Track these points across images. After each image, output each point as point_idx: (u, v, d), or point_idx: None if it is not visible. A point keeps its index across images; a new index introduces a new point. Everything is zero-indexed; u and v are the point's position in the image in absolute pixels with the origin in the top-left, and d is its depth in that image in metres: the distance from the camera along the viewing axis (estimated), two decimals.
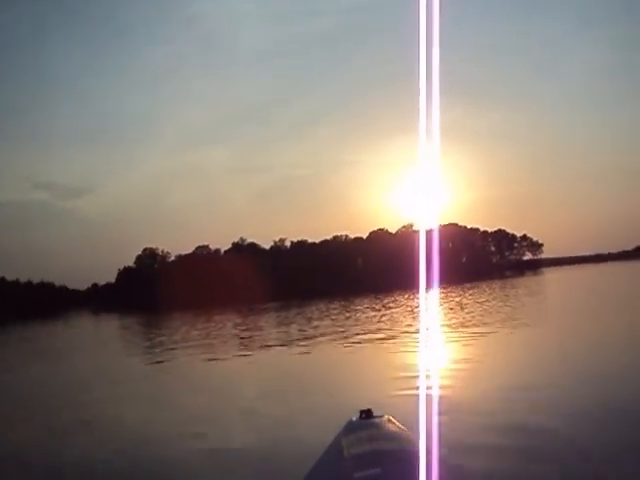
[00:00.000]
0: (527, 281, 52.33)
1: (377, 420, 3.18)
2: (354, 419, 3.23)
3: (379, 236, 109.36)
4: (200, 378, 12.00)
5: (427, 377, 8.98)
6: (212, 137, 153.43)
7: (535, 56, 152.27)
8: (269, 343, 16.87)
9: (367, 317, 23.41)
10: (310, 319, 25.21)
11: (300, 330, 20.20)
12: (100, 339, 28.59)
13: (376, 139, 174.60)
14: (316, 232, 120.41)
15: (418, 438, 2.80)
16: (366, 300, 37.98)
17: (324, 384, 10.04)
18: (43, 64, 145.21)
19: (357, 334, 16.98)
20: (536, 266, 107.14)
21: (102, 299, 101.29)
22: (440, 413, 6.20)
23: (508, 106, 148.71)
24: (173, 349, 17.77)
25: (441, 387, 7.95)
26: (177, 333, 25.85)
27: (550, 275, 65.97)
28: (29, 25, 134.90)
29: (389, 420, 3.15)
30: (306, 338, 17.06)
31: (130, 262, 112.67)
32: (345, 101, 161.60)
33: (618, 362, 9.14)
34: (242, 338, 19.60)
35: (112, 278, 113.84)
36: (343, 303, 37.02)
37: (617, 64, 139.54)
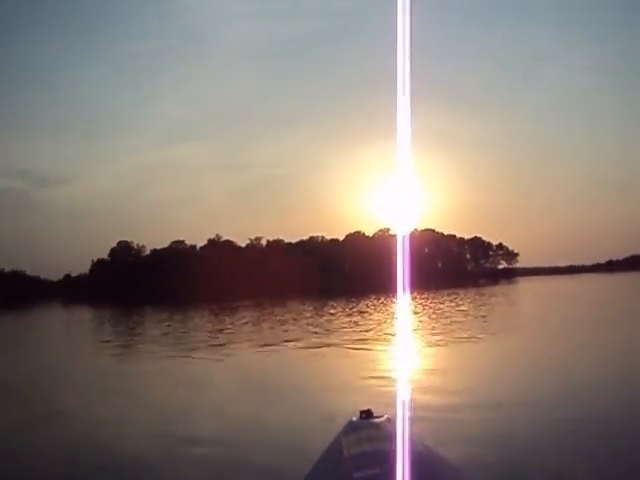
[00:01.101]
0: (502, 289, 52.80)
1: (377, 420, 3.14)
2: (354, 419, 3.19)
3: (356, 239, 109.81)
4: (177, 378, 11.66)
5: (412, 380, 8.91)
6: (193, 133, 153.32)
7: (519, 64, 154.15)
8: (241, 343, 16.56)
9: (342, 322, 23.10)
10: (283, 322, 24.82)
11: (272, 332, 19.88)
12: (62, 332, 27.91)
13: (355, 141, 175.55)
14: (292, 232, 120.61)
15: (416, 438, 2.76)
16: (340, 303, 37.75)
17: (311, 387, 9.85)
18: (25, 53, 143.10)
19: (332, 338, 16.82)
20: (511, 275, 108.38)
21: (74, 290, 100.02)
22: (435, 414, 6.18)
23: (491, 114, 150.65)
24: (144, 346, 17.50)
25: (434, 389, 7.90)
26: (148, 328, 25.50)
27: (524, 285, 66.61)
28: (16, 15, 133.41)
29: (389, 420, 3.06)
30: (281, 339, 16.76)
31: (104, 254, 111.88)
32: (325, 102, 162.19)
33: (590, 374, 9.17)
34: (213, 337, 19.15)
35: (86, 270, 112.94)
36: (316, 305, 36.85)
37: (602, 74, 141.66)
